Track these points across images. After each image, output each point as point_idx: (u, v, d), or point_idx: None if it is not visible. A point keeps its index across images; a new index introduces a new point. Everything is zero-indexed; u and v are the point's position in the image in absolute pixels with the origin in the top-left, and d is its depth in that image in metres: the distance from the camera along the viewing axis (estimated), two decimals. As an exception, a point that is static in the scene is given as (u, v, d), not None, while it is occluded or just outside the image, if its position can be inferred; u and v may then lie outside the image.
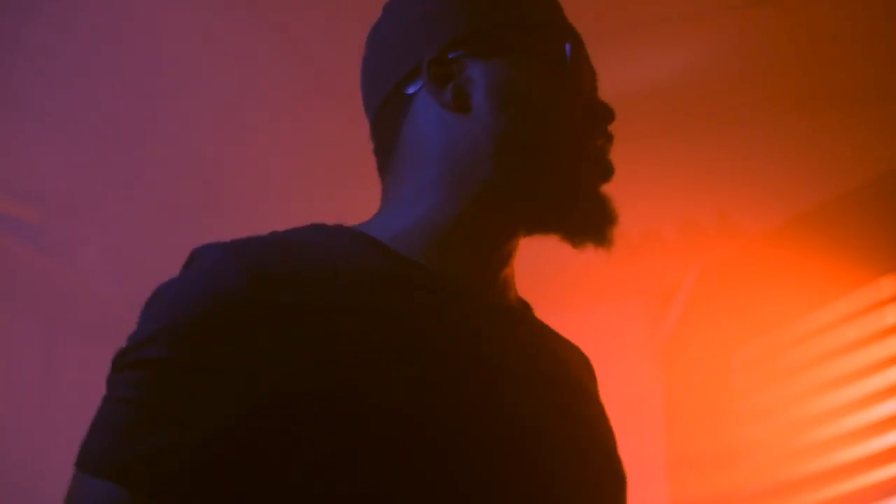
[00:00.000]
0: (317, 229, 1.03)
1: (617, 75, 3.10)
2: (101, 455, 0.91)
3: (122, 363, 0.96)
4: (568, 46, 1.08)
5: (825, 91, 3.03)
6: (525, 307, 1.13)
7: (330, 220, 1.07)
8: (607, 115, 1.07)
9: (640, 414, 2.74)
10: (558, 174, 1.03)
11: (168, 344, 0.91)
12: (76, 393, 3.65)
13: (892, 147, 2.80)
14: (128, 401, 0.91)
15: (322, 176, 3.54)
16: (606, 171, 1.06)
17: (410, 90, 1.07)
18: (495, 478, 0.91)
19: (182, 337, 0.90)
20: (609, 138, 1.07)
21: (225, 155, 3.65)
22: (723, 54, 3.01)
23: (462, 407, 0.92)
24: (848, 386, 2.63)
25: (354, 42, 1.21)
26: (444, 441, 0.89)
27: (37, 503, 3.37)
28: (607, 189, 1.09)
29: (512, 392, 0.96)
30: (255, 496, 0.88)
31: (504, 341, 1.00)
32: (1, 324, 3.51)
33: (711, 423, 2.73)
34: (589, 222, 1.04)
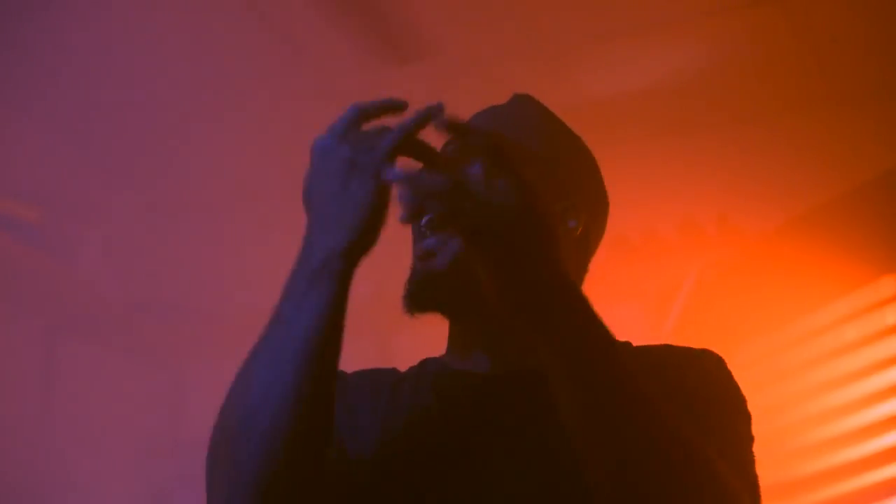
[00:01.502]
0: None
1: (618, 75, 3.11)
2: None
3: None
4: None
5: (825, 91, 3.03)
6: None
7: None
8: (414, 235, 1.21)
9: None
10: None
11: None
12: (76, 393, 3.65)
13: (893, 147, 2.80)
14: None
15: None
16: (419, 261, 1.21)
17: None
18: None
19: None
20: (417, 241, 1.21)
21: (226, 155, 3.65)
22: (723, 55, 3.01)
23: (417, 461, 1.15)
24: (848, 386, 2.63)
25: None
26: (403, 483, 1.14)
27: (37, 503, 3.38)
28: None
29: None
30: None
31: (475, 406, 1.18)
32: (1, 324, 3.51)
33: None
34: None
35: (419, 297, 1.20)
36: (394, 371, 1.29)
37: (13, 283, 3.46)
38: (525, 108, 1.30)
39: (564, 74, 3.01)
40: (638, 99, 3.09)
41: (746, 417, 1.20)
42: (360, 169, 1.08)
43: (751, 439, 1.18)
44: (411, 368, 1.29)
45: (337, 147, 1.10)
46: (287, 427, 1.03)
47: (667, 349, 1.23)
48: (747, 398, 1.19)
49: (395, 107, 1.13)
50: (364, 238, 1.09)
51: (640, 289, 2.95)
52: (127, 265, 3.82)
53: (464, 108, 1.18)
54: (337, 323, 1.07)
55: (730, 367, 1.24)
